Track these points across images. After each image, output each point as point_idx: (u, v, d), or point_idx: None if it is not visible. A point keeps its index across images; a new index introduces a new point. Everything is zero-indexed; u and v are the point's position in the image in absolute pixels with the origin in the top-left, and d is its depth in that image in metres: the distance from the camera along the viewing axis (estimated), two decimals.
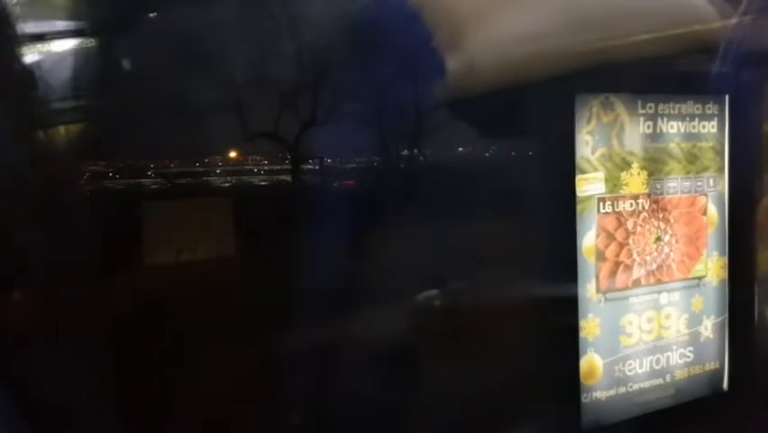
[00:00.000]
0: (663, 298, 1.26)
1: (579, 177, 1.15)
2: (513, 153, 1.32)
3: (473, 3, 1.03)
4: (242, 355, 1.01)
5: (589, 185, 1.16)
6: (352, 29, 1.08)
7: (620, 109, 1.18)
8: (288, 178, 1.25)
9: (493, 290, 1.18)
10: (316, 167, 1.26)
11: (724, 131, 1.29)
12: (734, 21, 1.13)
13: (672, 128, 1.24)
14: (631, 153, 1.20)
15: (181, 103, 1.07)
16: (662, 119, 1.22)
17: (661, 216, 1.24)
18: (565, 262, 1.17)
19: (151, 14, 1.08)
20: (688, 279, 1.28)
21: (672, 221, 1.25)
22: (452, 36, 0.99)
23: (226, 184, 1.29)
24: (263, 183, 1.29)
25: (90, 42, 1.05)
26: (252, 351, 1.02)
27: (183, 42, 1.05)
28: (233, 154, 1.32)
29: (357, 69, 1.12)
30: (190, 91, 1.08)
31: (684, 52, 1.13)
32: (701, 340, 1.31)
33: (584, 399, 1.19)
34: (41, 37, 1.00)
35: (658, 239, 1.24)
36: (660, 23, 1.06)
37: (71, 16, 1.04)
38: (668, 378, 1.28)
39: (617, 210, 1.19)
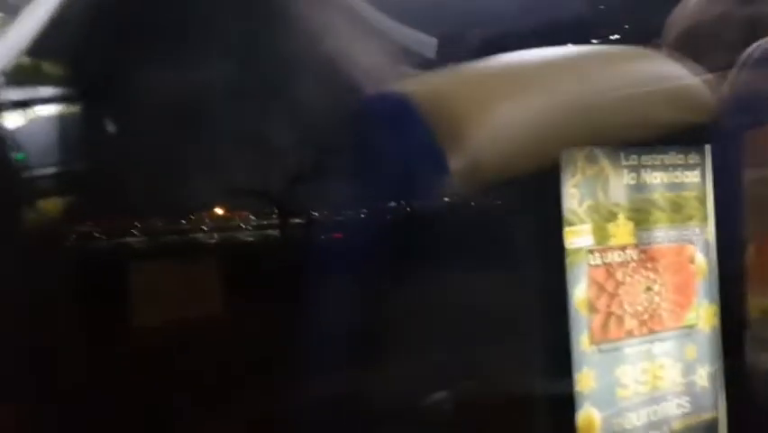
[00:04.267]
0: (657, 347, 1.25)
1: (567, 229, 1.16)
2: (501, 205, 1.32)
3: (470, 96, 1.02)
4: (233, 416, 0.98)
5: (577, 237, 1.16)
6: (350, 124, 1.05)
7: (604, 162, 1.19)
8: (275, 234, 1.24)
9: (484, 344, 1.17)
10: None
11: (706, 180, 1.31)
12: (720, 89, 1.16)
13: (656, 179, 1.25)
14: (617, 205, 1.20)
15: (167, 162, 1.07)
16: (646, 170, 1.24)
17: (649, 265, 1.24)
18: (557, 315, 1.16)
19: (137, 77, 1.09)
20: (680, 327, 1.28)
21: (660, 270, 1.25)
22: (453, 134, 0.97)
23: (212, 240, 1.28)
24: (250, 239, 1.28)
25: (75, 108, 1.05)
26: (242, 411, 0.99)
27: (170, 105, 1.05)
28: (219, 211, 1.31)
29: (353, 167, 1.08)
30: (176, 151, 1.08)
31: (677, 130, 1.15)
32: (697, 389, 1.30)
33: None
34: (23, 104, 1.00)
35: (648, 289, 1.24)
36: (658, 114, 1.08)
37: (55, 82, 1.04)
38: (665, 429, 1.26)
39: (606, 261, 1.19)
